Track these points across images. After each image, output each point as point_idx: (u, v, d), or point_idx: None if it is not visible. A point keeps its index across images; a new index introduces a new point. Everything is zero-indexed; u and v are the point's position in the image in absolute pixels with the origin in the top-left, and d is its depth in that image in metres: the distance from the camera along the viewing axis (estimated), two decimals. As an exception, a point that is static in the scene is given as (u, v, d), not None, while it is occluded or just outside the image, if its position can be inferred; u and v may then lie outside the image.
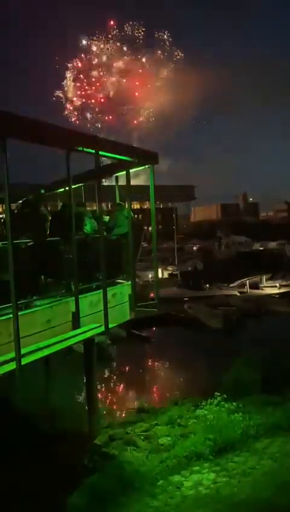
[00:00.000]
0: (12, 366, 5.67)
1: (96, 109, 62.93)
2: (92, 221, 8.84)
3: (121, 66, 61.81)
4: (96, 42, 60.70)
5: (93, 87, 61.34)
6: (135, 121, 62.14)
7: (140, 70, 63.93)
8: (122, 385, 14.65)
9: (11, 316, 5.71)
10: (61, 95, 61.29)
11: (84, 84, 60.95)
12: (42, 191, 8.10)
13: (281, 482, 6.11)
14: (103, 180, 10.00)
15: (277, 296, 28.78)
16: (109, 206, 10.83)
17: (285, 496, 5.62)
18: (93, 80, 61.18)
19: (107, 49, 60.68)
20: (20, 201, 8.78)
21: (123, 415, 11.36)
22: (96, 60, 61.71)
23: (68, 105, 61.55)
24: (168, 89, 66.85)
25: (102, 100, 62.42)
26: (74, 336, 7.15)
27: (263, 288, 30.30)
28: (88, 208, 9.98)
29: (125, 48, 62.06)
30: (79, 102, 61.83)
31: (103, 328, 7.73)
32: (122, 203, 9.98)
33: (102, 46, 60.72)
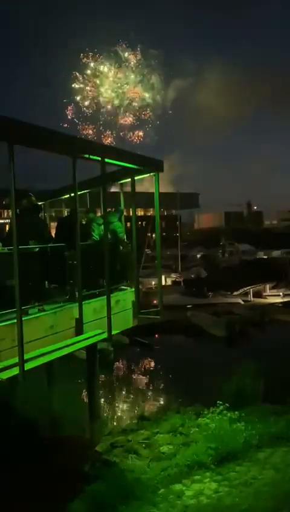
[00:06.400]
0: (15, 371, 5.69)
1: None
2: (100, 228, 8.85)
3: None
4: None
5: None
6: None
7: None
8: (123, 392, 14.60)
9: (15, 321, 5.74)
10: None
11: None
12: (33, 198, 8.11)
13: (283, 492, 6.05)
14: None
15: (280, 304, 28.69)
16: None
17: (287, 507, 5.58)
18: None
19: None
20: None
21: (124, 422, 11.31)
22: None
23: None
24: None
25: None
26: (77, 342, 7.16)
27: (267, 297, 30.21)
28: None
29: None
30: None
31: (106, 335, 7.74)
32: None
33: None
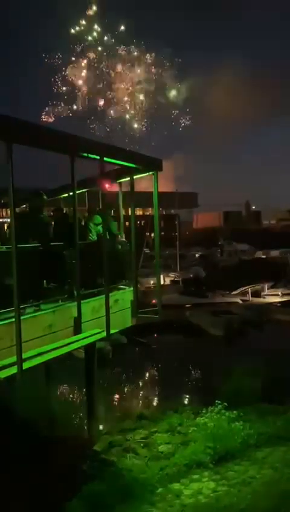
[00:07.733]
0: (13, 370, 5.68)
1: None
2: (97, 228, 8.84)
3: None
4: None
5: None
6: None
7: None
8: (122, 391, 14.60)
9: (13, 320, 5.73)
10: None
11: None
12: (44, 196, 8.12)
13: (282, 492, 6.06)
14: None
15: (279, 304, 28.70)
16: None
17: (285, 506, 5.59)
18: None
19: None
20: (23, 206, 8.82)
21: (123, 421, 11.30)
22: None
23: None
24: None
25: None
26: (75, 341, 7.15)
27: (265, 297, 30.22)
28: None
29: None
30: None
31: (104, 334, 7.73)
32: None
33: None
